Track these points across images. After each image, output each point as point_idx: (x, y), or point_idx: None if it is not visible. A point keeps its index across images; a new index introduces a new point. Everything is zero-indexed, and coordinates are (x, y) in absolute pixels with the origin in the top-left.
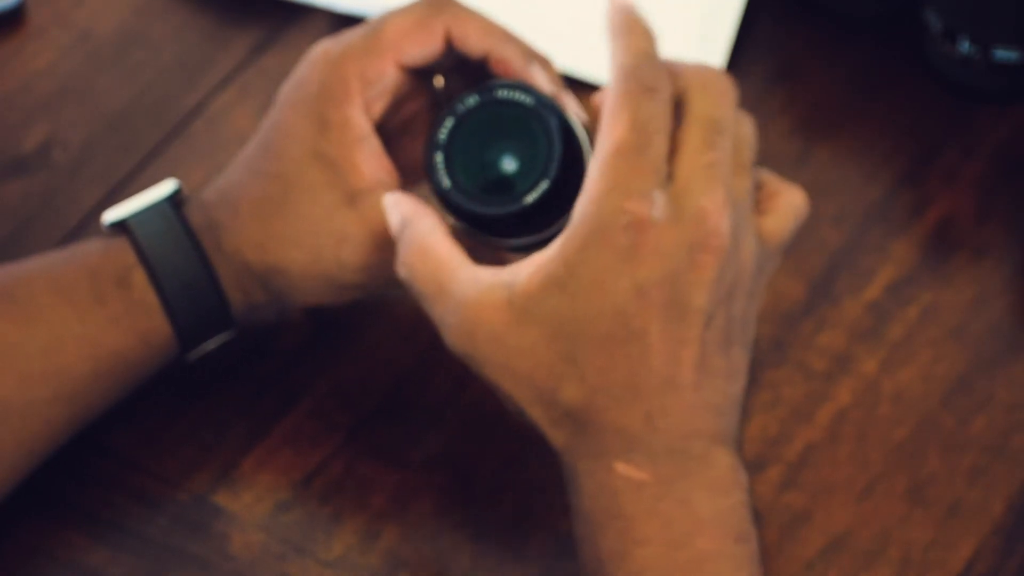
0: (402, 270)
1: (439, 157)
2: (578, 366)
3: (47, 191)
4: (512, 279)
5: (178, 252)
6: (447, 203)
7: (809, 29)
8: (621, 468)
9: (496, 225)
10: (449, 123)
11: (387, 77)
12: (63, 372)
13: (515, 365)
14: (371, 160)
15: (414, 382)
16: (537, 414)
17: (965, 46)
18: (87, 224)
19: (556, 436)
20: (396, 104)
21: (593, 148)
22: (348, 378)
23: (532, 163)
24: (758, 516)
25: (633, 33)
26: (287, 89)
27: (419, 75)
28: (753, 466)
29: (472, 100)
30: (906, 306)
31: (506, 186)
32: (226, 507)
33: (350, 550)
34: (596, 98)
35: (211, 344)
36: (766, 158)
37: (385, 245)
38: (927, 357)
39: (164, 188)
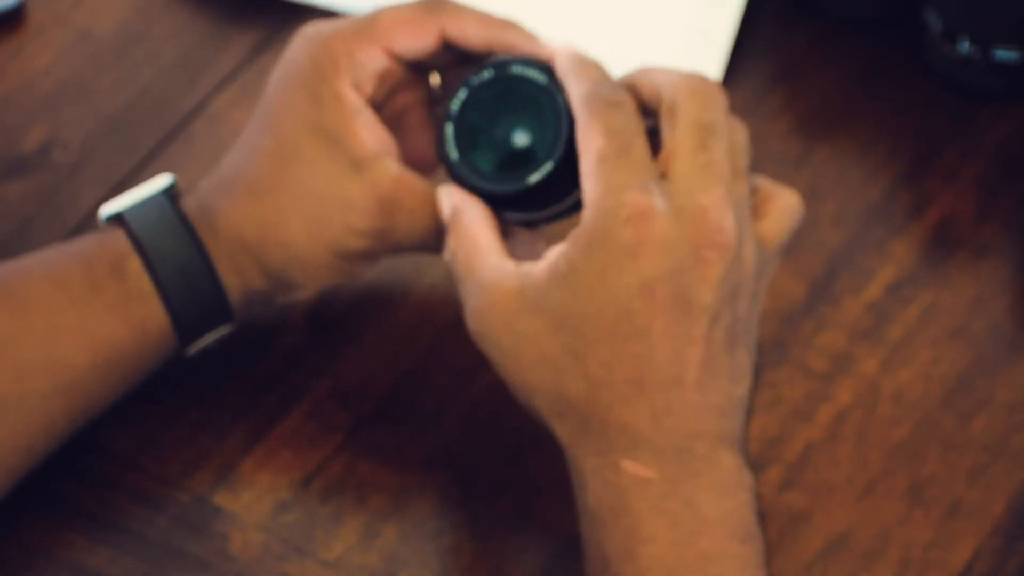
0: (447, 254)
1: (449, 128)
2: (581, 360)
3: (47, 191)
4: (530, 269)
5: (171, 238)
6: (453, 175)
7: (809, 29)
8: (628, 466)
9: (500, 201)
10: (462, 94)
11: (376, 62)
12: (60, 363)
13: (522, 352)
14: (370, 130)
15: (414, 382)
16: (542, 405)
17: (965, 46)
18: (87, 224)
19: (561, 430)
20: (387, 94)
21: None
22: (348, 379)
23: (541, 141)
24: (763, 517)
25: (582, 66)
26: (277, 70)
27: (415, 70)
28: (753, 466)
29: (487, 73)
30: (906, 306)
31: (514, 162)
32: (226, 507)
33: (350, 550)
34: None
35: (210, 338)
36: (766, 158)
37: (392, 210)
38: (927, 357)
39: (160, 182)
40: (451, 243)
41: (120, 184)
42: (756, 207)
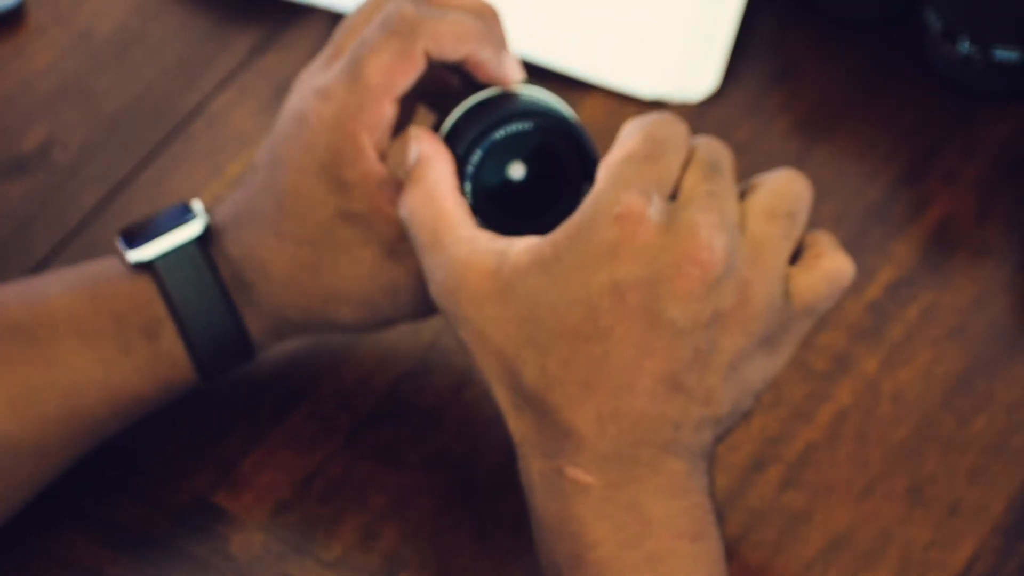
0: (403, 210)
1: (479, 222)
2: (542, 354)
3: (47, 191)
4: (506, 248)
5: (209, 307)
6: None
7: (809, 29)
8: (569, 472)
9: None
10: (468, 187)
11: (388, 117)
12: (81, 415)
13: (488, 335)
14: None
15: (414, 383)
16: (501, 394)
17: (965, 46)
18: (87, 224)
19: (516, 425)
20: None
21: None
22: (348, 379)
23: (566, 177)
24: (721, 518)
25: None
26: (290, 149)
27: None
28: (753, 466)
29: (477, 156)
30: (906, 306)
31: (551, 211)
32: (226, 507)
33: (350, 550)
34: None
35: (228, 372)
36: (766, 158)
37: None
38: (927, 357)
39: (191, 230)
40: (410, 200)
41: (120, 184)
42: (806, 260)
